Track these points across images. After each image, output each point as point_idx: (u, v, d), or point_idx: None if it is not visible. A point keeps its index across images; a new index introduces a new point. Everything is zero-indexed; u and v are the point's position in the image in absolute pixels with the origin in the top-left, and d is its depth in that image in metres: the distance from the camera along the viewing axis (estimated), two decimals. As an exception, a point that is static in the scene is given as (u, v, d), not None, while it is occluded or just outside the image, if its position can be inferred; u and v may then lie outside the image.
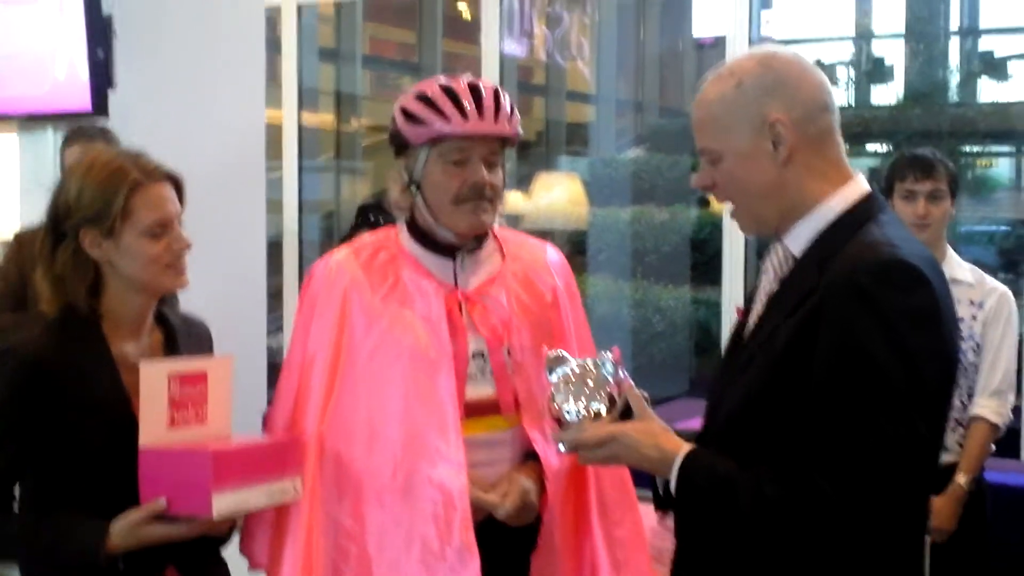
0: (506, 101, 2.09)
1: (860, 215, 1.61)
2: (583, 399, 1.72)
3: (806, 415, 1.52)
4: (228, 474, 1.84)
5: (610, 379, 1.73)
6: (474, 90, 2.06)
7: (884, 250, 1.54)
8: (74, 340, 1.94)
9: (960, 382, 3.04)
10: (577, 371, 1.75)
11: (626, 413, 1.72)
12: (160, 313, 2.07)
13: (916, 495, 1.58)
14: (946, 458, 3.03)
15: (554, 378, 1.76)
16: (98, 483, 1.92)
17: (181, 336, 2.08)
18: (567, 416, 1.72)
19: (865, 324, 1.49)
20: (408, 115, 2.08)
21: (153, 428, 1.86)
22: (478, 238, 2.15)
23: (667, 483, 1.64)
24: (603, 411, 1.71)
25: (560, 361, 1.77)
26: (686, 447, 1.64)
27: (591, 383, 1.73)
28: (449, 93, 2.05)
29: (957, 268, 3.08)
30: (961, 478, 2.98)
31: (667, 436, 1.67)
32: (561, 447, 1.74)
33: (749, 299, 1.77)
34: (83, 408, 1.90)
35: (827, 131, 1.65)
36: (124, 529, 1.85)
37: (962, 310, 3.05)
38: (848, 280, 1.51)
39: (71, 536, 1.87)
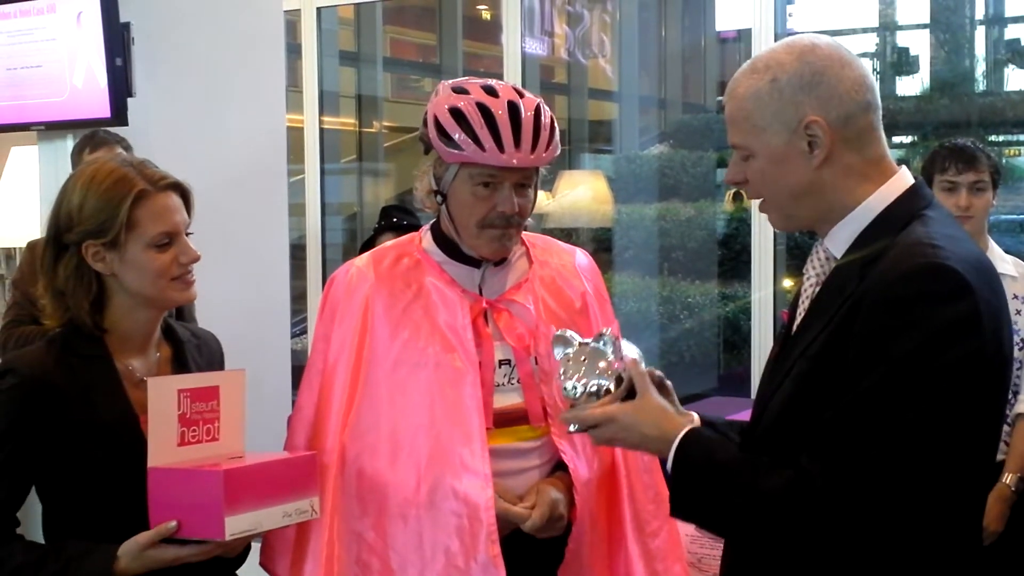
0: (546, 124, 1.99)
1: (902, 212, 1.54)
2: (589, 378, 1.67)
3: (832, 421, 1.46)
4: (241, 495, 1.77)
5: (611, 356, 1.68)
6: (514, 117, 1.96)
7: (925, 254, 1.45)
8: (77, 357, 1.87)
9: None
10: (587, 350, 1.70)
11: (635, 391, 1.67)
12: (167, 327, 2.00)
13: (959, 509, 1.50)
14: (992, 457, 2.96)
15: (559, 355, 1.72)
16: (107, 506, 1.85)
17: (190, 350, 2.01)
18: (565, 393, 1.69)
19: (902, 338, 1.41)
20: (441, 130, 1.98)
21: (162, 447, 1.79)
22: None
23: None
24: (611, 388, 1.67)
25: (565, 341, 1.73)
26: (687, 426, 1.58)
27: (602, 364, 1.68)
28: (487, 117, 1.95)
29: (1000, 261, 3.00)
30: (1008, 478, 2.91)
31: (666, 415, 1.62)
32: (570, 428, 1.70)
33: (794, 302, 1.70)
34: (88, 429, 1.84)
35: (867, 130, 1.56)
36: (133, 553, 1.78)
37: (1005, 304, 2.97)
38: (884, 290, 1.44)
39: (78, 563, 1.80)
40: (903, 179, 1.58)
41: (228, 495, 1.75)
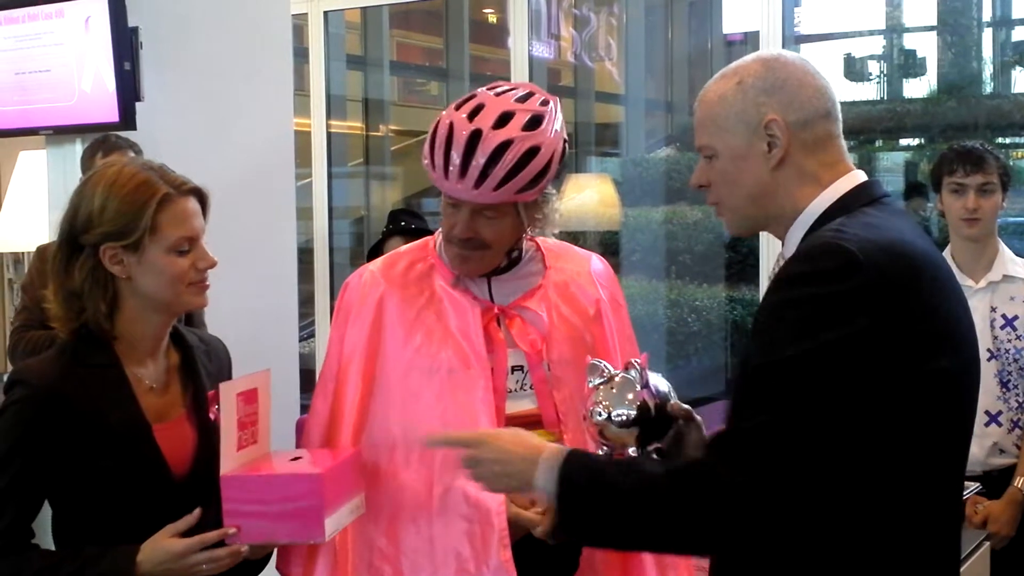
0: (485, 159, 1.89)
1: (841, 209, 1.56)
2: (616, 407, 1.69)
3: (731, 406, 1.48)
4: (332, 495, 1.79)
5: (638, 386, 1.70)
6: (448, 142, 1.91)
7: (823, 237, 1.48)
8: (87, 366, 1.86)
9: (1018, 382, 2.95)
10: (618, 380, 1.72)
11: (659, 424, 1.69)
12: (176, 332, 1.99)
13: (886, 501, 1.47)
14: (1003, 461, 2.95)
15: (591, 385, 1.74)
16: (119, 515, 1.84)
17: (199, 356, 2.00)
18: (592, 417, 1.70)
19: (786, 314, 1.43)
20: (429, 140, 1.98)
21: (228, 453, 1.79)
22: (511, 257, 2.08)
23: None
24: (634, 417, 1.68)
25: (598, 370, 1.74)
26: (563, 448, 1.59)
27: (630, 395, 1.70)
28: (449, 139, 1.92)
29: (1010, 264, 3.00)
30: (1019, 481, 2.90)
31: (533, 441, 1.63)
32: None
33: None
34: (99, 438, 1.83)
35: (825, 138, 1.60)
36: (157, 555, 1.78)
37: (1017, 307, 2.96)
38: (780, 272, 1.48)
39: (96, 564, 1.80)
40: (852, 179, 1.60)
41: (326, 496, 1.76)
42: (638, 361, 1.73)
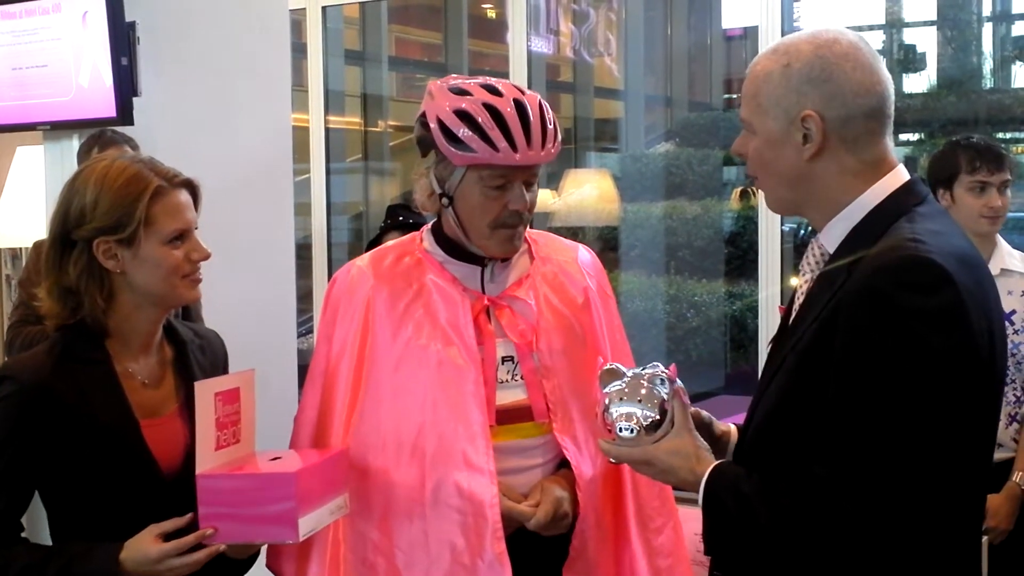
0: (550, 118, 1.99)
1: (894, 209, 1.55)
2: (637, 411, 1.66)
3: (825, 422, 1.46)
4: (307, 494, 1.77)
5: (663, 396, 1.68)
6: (522, 115, 1.95)
7: (906, 248, 1.46)
8: (78, 362, 1.85)
9: (1015, 376, 2.95)
10: (630, 383, 1.70)
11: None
12: (169, 327, 1.98)
13: (946, 499, 1.47)
14: (1001, 455, 2.94)
15: (607, 390, 1.71)
16: (109, 512, 1.84)
17: (193, 350, 1.99)
18: (619, 433, 1.67)
19: (881, 328, 1.42)
20: (448, 133, 1.96)
21: (205, 452, 1.78)
22: None
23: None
24: (656, 418, 1.66)
25: (613, 375, 1.72)
26: (712, 467, 1.59)
27: (643, 393, 1.68)
28: (496, 117, 1.93)
29: (1008, 258, 2.99)
30: (1017, 476, 2.90)
31: (700, 457, 1.62)
32: (611, 460, 1.71)
33: (791, 297, 1.72)
34: (87, 435, 1.82)
35: (867, 134, 1.57)
36: (137, 556, 1.78)
37: (1014, 302, 2.95)
38: (864, 283, 1.45)
39: (83, 562, 1.79)
40: (897, 176, 1.59)
41: (300, 495, 1.74)
42: (666, 371, 1.71)
